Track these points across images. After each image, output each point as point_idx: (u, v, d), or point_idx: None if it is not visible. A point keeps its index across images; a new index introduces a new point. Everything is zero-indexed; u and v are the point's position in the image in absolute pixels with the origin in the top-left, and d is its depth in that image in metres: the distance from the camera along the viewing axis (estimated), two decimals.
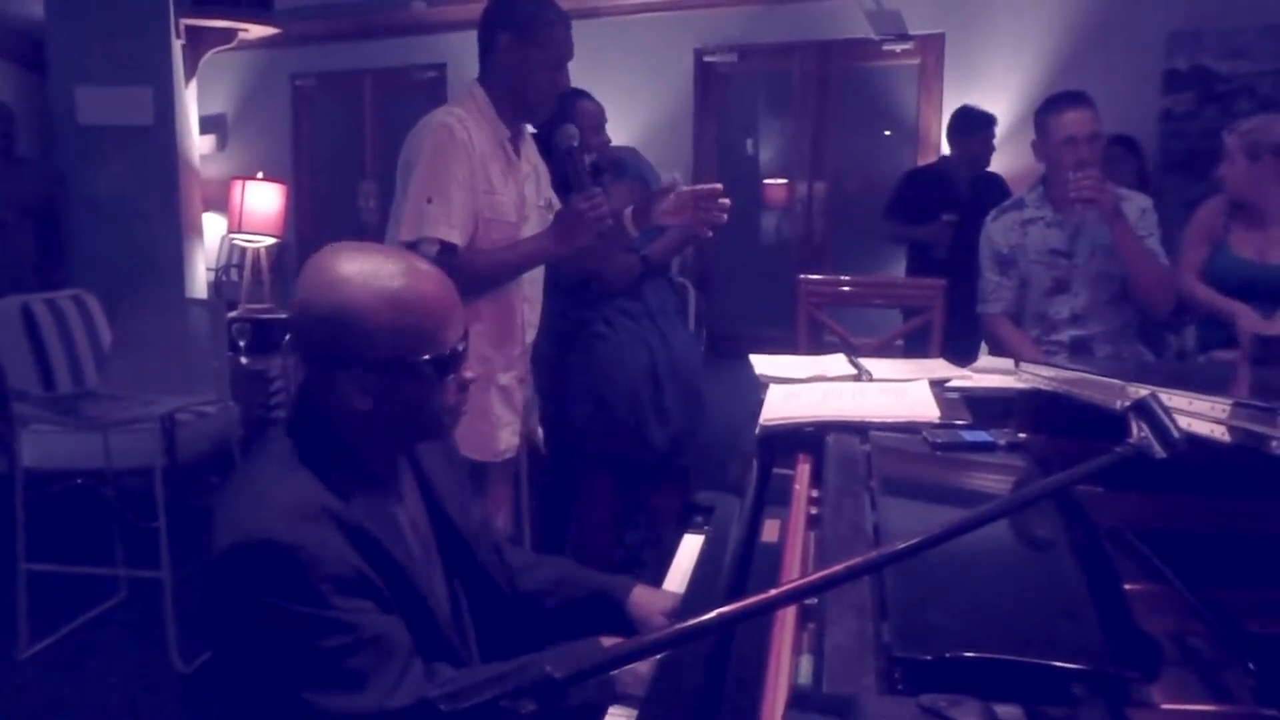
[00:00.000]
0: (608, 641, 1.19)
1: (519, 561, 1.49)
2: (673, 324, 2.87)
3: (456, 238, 2.01)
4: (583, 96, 2.74)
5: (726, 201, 2.07)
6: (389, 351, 1.16)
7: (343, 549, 1.10)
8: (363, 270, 1.16)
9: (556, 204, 2.24)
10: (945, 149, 4.09)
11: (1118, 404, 1.17)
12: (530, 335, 2.27)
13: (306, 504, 1.11)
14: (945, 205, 3.76)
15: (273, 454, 1.20)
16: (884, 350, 2.90)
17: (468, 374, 1.25)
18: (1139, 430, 0.75)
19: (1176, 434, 0.75)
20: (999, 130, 4.02)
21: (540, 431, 2.44)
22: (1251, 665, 0.82)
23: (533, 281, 2.25)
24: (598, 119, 2.71)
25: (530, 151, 2.26)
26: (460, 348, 1.22)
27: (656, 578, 1.50)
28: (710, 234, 2.12)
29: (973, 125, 3.87)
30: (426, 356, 1.17)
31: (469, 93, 2.14)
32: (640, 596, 1.41)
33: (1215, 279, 2.68)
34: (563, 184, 2.28)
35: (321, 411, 1.20)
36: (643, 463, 2.75)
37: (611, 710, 1.14)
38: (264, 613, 1.06)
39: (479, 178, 2.05)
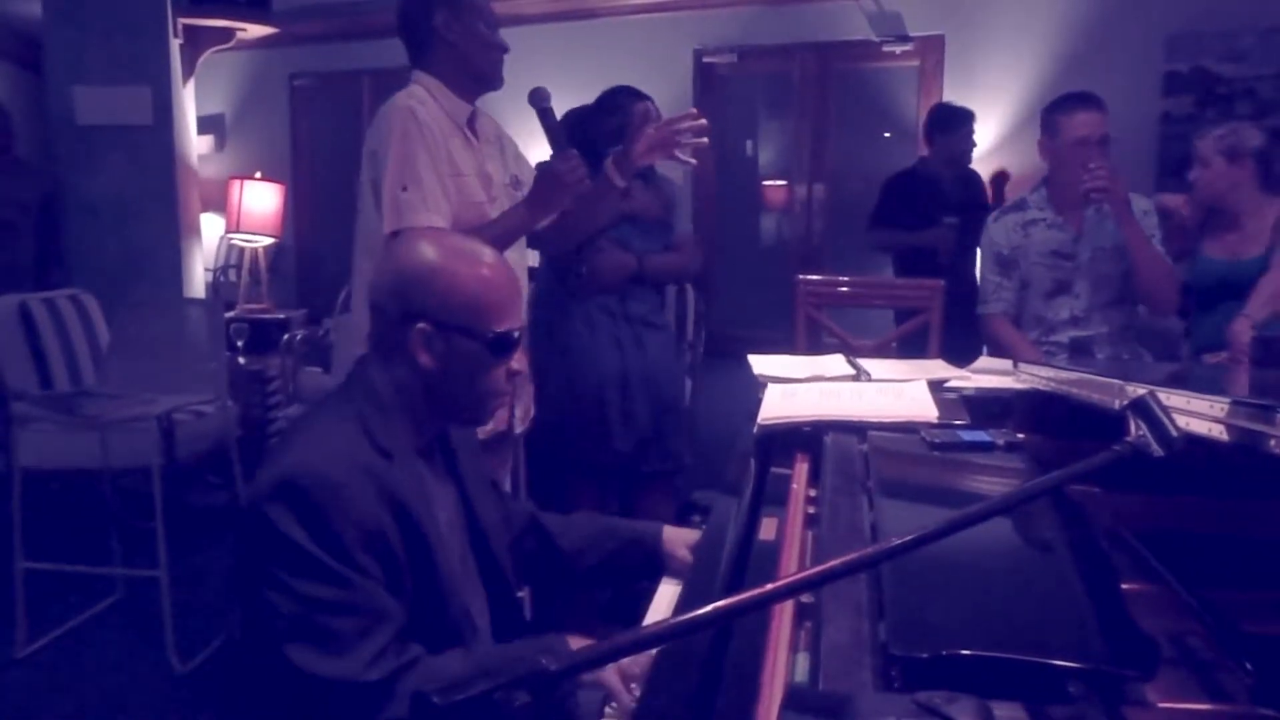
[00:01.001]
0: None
1: (554, 525, 1.58)
2: (655, 334, 2.82)
3: (438, 221, 1.97)
4: (640, 98, 2.70)
5: (704, 123, 2.06)
6: (461, 317, 1.25)
7: (374, 504, 1.15)
8: (454, 243, 1.31)
9: (525, 180, 2.21)
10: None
11: (1116, 403, 1.17)
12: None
13: (350, 454, 1.17)
14: (935, 207, 3.65)
15: (329, 408, 1.27)
16: (882, 351, 2.89)
17: (515, 365, 1.33)
18: (1137, 429, 0.75)
19: (1174, 433, 0.75)
20: (999, 132, 4.01)
21: (531, 410, 2.43)
22: (1248, 665, 0.82)
23: (516, 262, 2.24)
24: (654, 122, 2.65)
25: (489, 129, 2.23)
26: (516, 335, 1.29)
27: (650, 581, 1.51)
28: (695, 162, 2.12)
29: (954, 122, 3.78)
30: (492, 332, 1.26)
31: (417, 81, 2.11)
32: (669, 535, 1.53)
33: (1193, 283, 2.73)
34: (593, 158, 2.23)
35: (383, 369, 1.27)
36: (605, 464, 2.74)
37: (608, 710, 1.14)
38: (281, 548, 1.10)
39: (444, 160, 2.02)
